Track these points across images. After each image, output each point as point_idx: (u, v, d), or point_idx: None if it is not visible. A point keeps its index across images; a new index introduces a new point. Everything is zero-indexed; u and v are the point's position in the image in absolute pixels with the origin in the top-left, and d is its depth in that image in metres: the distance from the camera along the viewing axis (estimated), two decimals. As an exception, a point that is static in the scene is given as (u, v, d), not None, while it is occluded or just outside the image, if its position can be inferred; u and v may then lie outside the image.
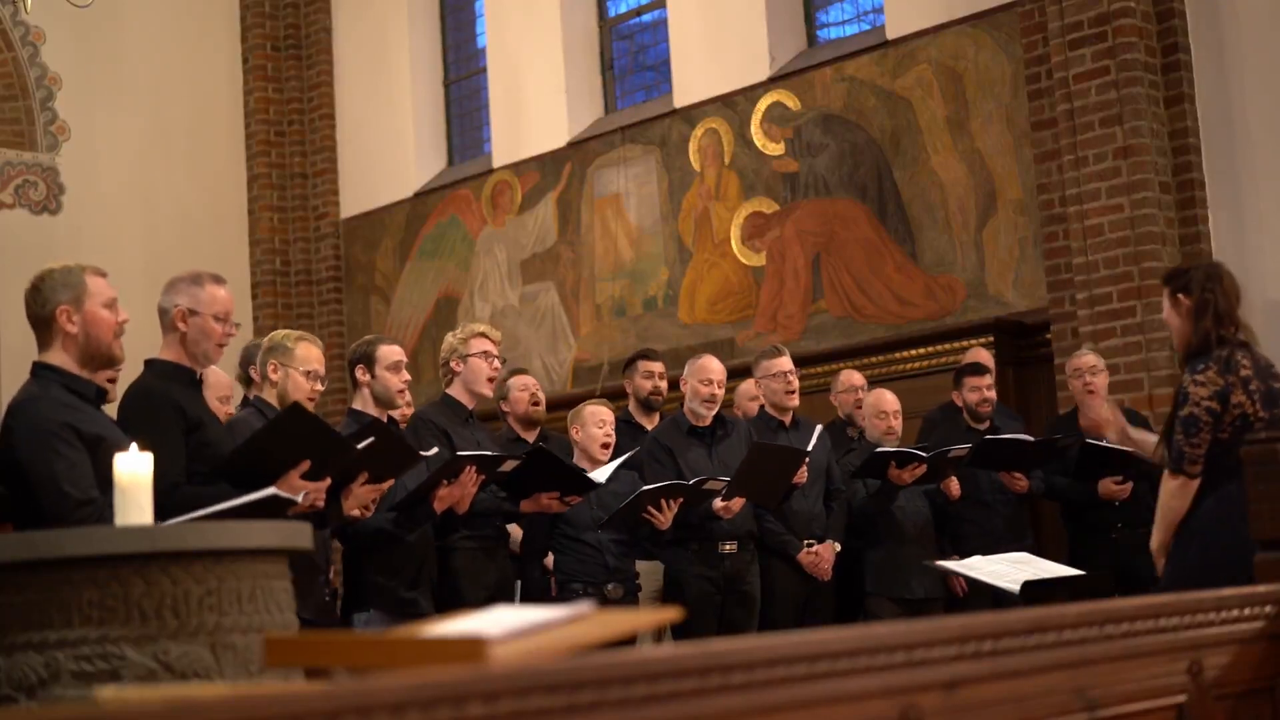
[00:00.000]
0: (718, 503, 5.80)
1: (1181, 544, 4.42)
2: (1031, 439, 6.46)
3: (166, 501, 3.61)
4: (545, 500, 5.31)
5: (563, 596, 5.68)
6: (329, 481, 4.14)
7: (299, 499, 3.84)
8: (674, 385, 6.63)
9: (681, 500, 5.62)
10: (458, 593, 5.13)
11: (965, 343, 7.70)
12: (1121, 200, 7.40)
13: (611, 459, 6.02)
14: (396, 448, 4.56)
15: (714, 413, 6.11)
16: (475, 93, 11.14)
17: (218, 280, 4.15)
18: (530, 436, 6.31)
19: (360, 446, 4.32)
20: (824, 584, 6.23)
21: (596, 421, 5.83)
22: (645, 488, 5.62)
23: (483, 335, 5.48)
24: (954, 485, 6.48)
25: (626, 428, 6.50)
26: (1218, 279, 4.48)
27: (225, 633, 2.94)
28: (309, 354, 4.74)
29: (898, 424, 6.62)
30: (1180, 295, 4.49)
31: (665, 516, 5.57)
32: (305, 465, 4.01)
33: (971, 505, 6.63)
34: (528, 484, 5.27)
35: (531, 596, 5.70)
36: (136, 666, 2.83)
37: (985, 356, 7.14)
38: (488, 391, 5.54)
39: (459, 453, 5.00)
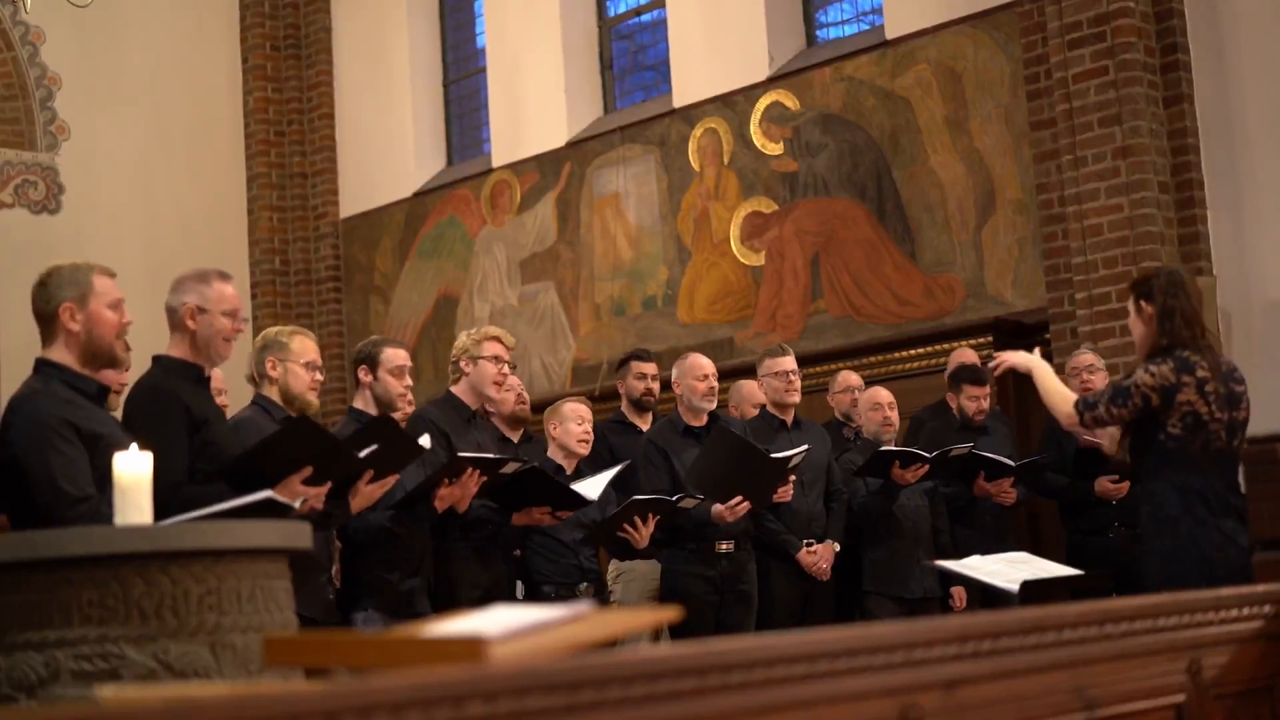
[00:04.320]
0: (717, 508, 5.80)
1: (1157, 542, 4.58)
2: (1013, 463, 6.45)
3: (169, 500, 3.62)
4: (537, 514, 5.31)
5: (532, 597, 5.66)
6: (329, 486, 4.15)
7: (296, 504, 3.85)
8: (666, 386, 6.62)
9: (658, 517, 5.62)
10: (453, 593, 5.14)
11: (965, 343, 7.70)
12: (1120, 200, 7.40)
13: (605, 459, 6.01)
14: (400, 442, 4.57)
15: (713, 407, 6.12)
16: (475, 93, 11.14)
17: (224, 277, 4.17)
18: (515, 436, 6.30)
19: (362, 455, 4.33)
20: (823, 583, 6.23)
21: (575, 418, 5.82)
22: (635, 498, 5.60)
23: (497, 340, 5.49)
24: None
25: (622, 429, 6.49)
26: (1180, 285, 4.59)
27: (225, 632, 2.94)
28: (305, 346, 4.76)
29: (894, 415, 6.62)
30: (1143, 302, 4.61)
31: (643, 533, 5.57)
32: (307, 471, 4.01)
33: (959, 505, 6.67)
34: (518, 497, 5.27)
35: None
36: (136, 666, 2.83)
37: (973, 357, 7.15)
38: (494, 394, 5.55)
39: (461, 454, 5.01)
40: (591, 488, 5.43)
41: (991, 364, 5.15)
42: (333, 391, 10.46)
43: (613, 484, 5.82)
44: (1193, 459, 4.50)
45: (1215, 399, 4.51)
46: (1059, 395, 4.80)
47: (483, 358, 5.42)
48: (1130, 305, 4.71)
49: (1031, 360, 4.92)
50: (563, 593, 5.57)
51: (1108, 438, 4.98)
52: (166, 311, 4.12)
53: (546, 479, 5.31)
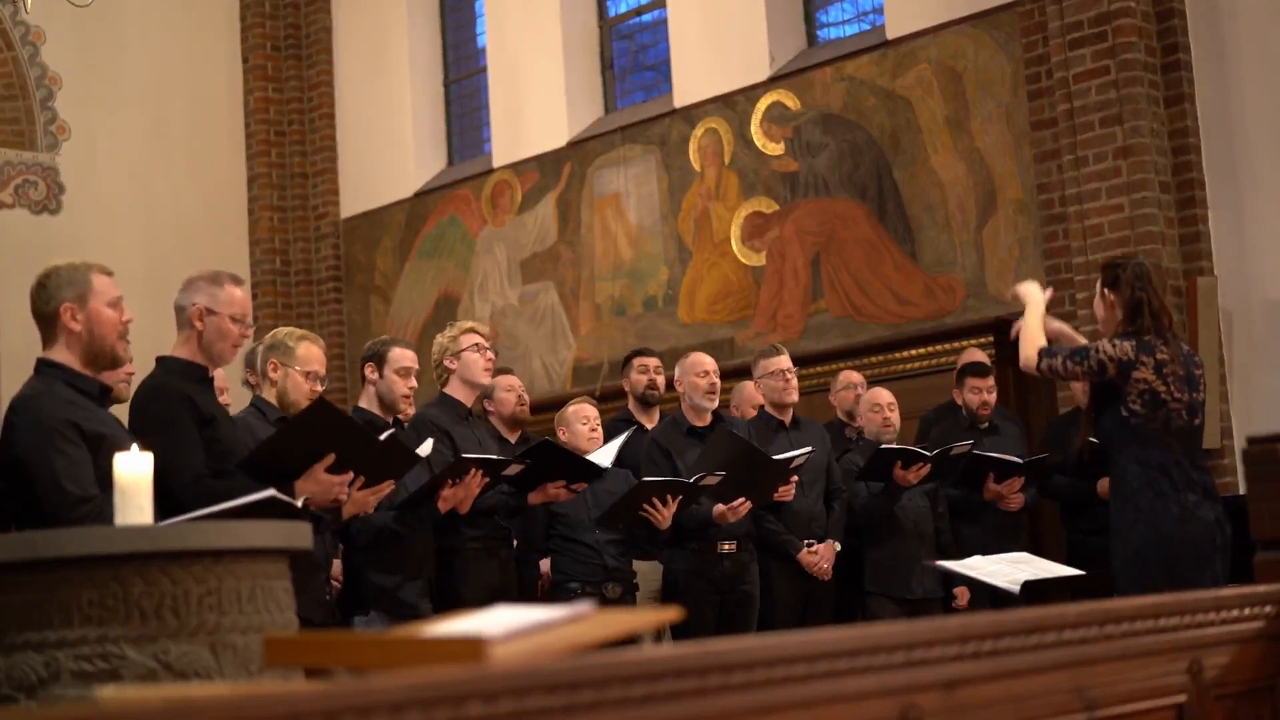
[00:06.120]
0: (719, 507, 5.80)
1: (1118, 516, 4.72)
2: (1020, 460, 6.45)
3: (194, 491, 3.62)
4: (553, 490, 5.32)
5: (559, 597, 5.68)
6: (350, 475, 4.14)
7: (298, 503, 3.84)
8: (669, 385, 6.62)
9: (680, 498, 5.62)
10: (460, 593, 5.14)
11: (965, 343, 7.70)
12: (1121, 200, 7.40)
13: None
14: (395, 451, 4.56)
15: (715, 405, 6.11)
16: (475, 93, 11.14)
17: (236, 281, 4.17)
18: (513, 437, 6.30)
19: (382, 438, 4.33)
20: (824, 584, 6.23)
21: (580, 419, 5.85)
22: (645, 479, 5.62)
23: (472, 330, 5.51)
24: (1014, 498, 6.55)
25: (627, 427, 6.49)
26: (1147, 278, 4.78)
27: (225, 632, 2.94)
28: (310, 354, 4.73)
29: (894, 416, 6.62)
30: (1107, 290, 4.81)
31: (665, 514, 5.57)
32: (330, 459, 4.01)
33: (966, 505, 6.65)
34: (532, 477, 5.28)
35: (525, 596, 5.70)
36: (136, 666, 2.83)
37: (981, 356, 7.14)
38: (486, 380, 5.56)
39: (464, 455, 5.01)
40: (603, 456, 5.46)
41: (1016, 286, 5.25)
42: (333, 392, 10.45)
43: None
44: (1155, 434, 4.67)
45: (1174, 380, 4.68)
46: (1031, 338, 4.93)
47: (464, 350, 5.43)
48: (1096, 287, 4.91)
49: (1033, 295, 5.04)
50: (589, 591, 5.60)
51: (1080, 390, 5.12)
52: (175, 309, 4.12)
53: (559, 451, 5.32)
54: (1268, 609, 2.90)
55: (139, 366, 4.17)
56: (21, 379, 3.75)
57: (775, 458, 5.85)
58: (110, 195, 10.66)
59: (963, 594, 6.48)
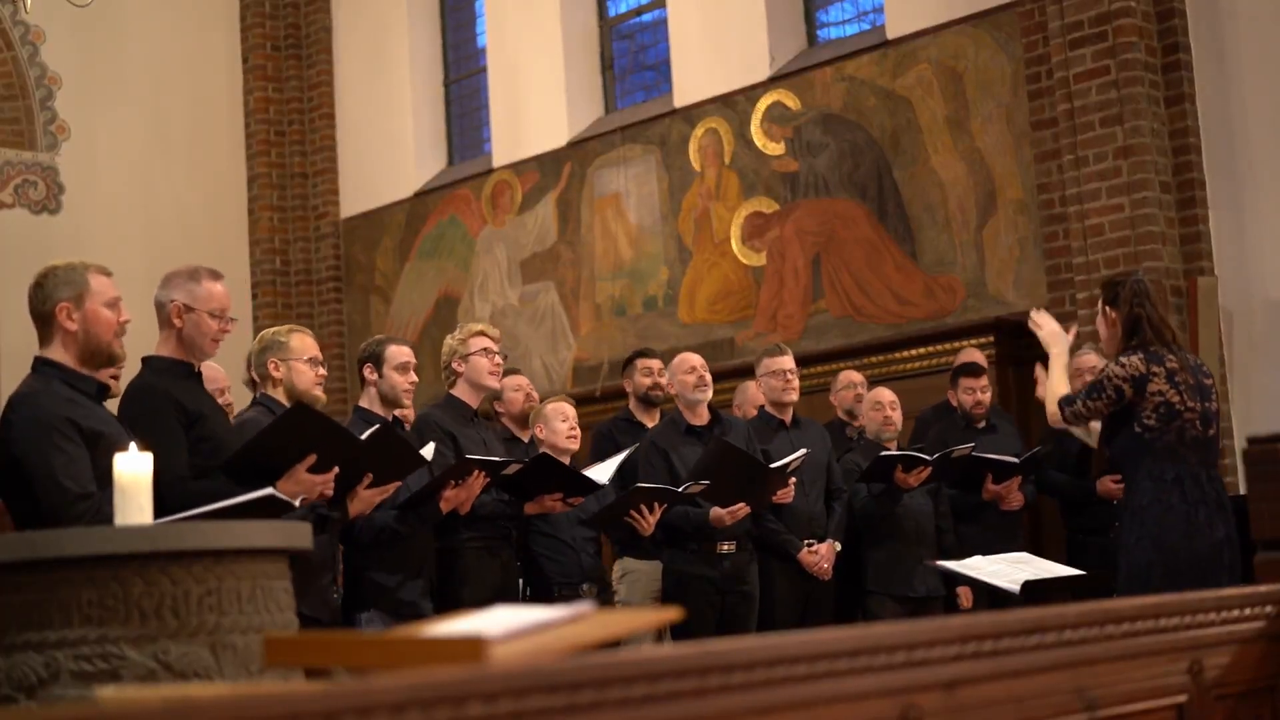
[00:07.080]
0: (716, 511, 5.80)
1: (1125, 532, 4.73)
2: (1016, 460, 6.45)
3: (174, 494, 3.62)
4: (549, 502, 5.33)
5: (537, 596, 5.68)
6: (336, 471, 4.14)
7: (296, 502, 3.84)
8: (667, 387, 6.63)
9: (665, 506, 5.63)
10: (461, 593, 5.15)
11: (965, 343, 7.70)
12: (1122, 200, 7.40)
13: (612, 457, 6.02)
14: (401, 450, 4.57)
15: (708, 397, 6.11)
16: (475, 93, 11.14)
17: (214, 275, 4.15)
18: (525, 435, 6.32)
19: (364, 437, 4.33)
20: (824, 584, 6.23)
21: (559, 416, 5.84)
22: (638, 485, 5.62)
23: (481, 333, 5.50)
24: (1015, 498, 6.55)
25: (628, 427, 6.50)
26: (1145, 294, 4.79)
27: (225, 633, 2.94)
28: (304, 343, 4.76)
29: (895, 415, 6.62)
30: (1108, 308, 4.82)
31: (649, 521, 5.58)
32: (311, 459, 4.01)
33: (965, 505, 6.65)
34: (530, 486, 5.29)
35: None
36: (136, 666, 2.83)
37: (979, 356, 7.14)
38: (494, 384, 5.57)
39: (467, 456, 5.02)
40: (601, 472, 5.46)
41: (1034, 313, 5.25)
42: (333, 392, 10.45)
43: (615, 479, 5.81)
44: (1170, 448, 4.66)
45: (1186, 389, 4.68)
46: (1055, 391, 4.96)
47: (472, 354, 5.44)
48: (1099, 305, 4.93)
49: (1058, 344, 5.04)
50: (566, 592, 5.58)
51: (1092, 434, 5.08)
52: (155, 306, 4.12)
53: (556, 466, 5.33)
54: (1268, 609, 2.90)
55: (136, 366, 4.17)
56: (21, 378, 3.75)
57: (771, 465, 5.85)
58: (110, 195, 10.66)
59: (965, 594, 6.47)
